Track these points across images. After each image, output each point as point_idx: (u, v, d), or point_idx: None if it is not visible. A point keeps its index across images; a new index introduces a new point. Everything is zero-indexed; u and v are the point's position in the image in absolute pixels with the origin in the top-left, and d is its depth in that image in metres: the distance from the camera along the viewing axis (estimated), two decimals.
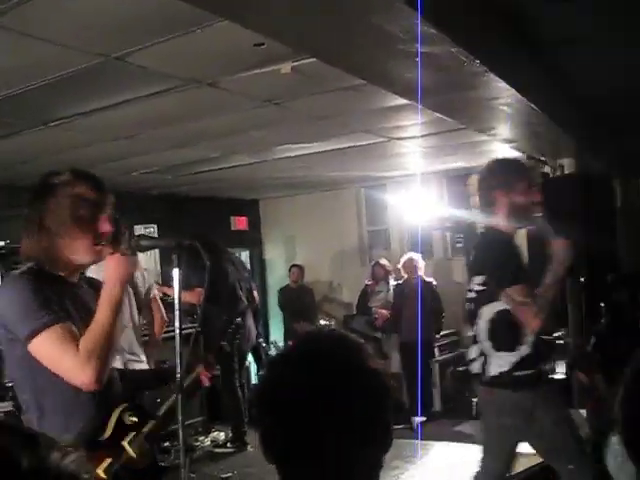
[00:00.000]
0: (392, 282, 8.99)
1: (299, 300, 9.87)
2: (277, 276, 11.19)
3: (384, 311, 8.72)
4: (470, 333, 3.69)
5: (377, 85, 4.09)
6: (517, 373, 3.40)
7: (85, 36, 3.56)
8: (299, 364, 1.32)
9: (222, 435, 7.39)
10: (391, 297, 8.81)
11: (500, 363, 3.43)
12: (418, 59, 3.20)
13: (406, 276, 8.45)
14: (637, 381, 1.37)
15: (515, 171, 3.59)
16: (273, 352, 9.14)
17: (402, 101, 4.77)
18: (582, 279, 6.00)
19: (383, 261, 9.27)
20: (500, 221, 3.49)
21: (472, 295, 3.58)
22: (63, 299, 2.24)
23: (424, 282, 8.30)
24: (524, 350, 3.39)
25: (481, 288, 3.51)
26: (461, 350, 9.18)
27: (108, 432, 2.27)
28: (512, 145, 6.09)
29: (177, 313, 2.14)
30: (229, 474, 6.34)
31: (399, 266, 8.59)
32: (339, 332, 1.44)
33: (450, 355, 8.90)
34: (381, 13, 2.71)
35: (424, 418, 7.79)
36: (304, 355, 1.34)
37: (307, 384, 1.27)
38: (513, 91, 3.98)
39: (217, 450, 7.12)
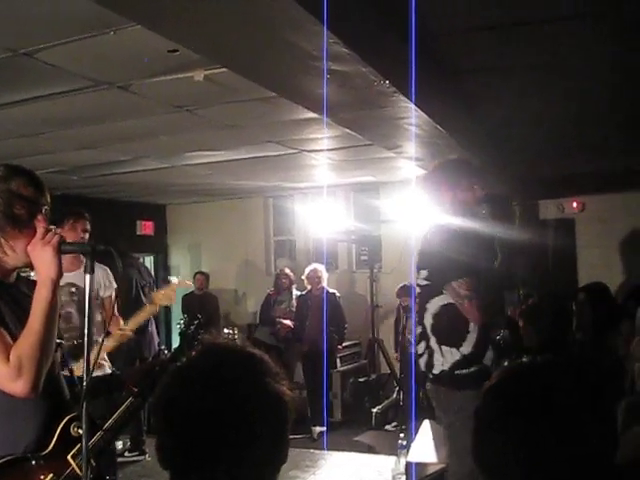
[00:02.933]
0: (295, 292, 9.05)
1: (203, 307, 9.78)
2: None
3: (287, 322, 8.77)
4: (418, 330, 3.61)
5: (287, 98, 4.15)
6: (458, 372, 3.36)
7: None
8: (198, 380, 1.31)
9: (120, 444, 7.24)
10: (293, 307, 8.86)
11: (442, 360, 3.40)
12: (324, 76, 3.28)
13: (310, 287, 8.53)
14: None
15: (458, 169, 3.67)
16: None
17: (312, 114, 4.85)
18: None
19: (287, 271, 9.30)
20: (446, 217, 3.51)
21: (418, 290, 3.57)
22: None
23: (327, 293, 8.39)
24: (466, 347, 3.36)
25: (425, 283, 3.49)
26: (362, 361, 9.35)
27: (51, 445, 2.14)
28: (418, 163, 6.26)
29: (87, 320, 2.01)
30: None
31: (303, 277, 8.66)
32: (241, 347, 1.41)
33: (352, 366, 9.03)
34: (292, 30, 2.76)
35: (324, 428, 7.86)
36: (204, 371, 1.33)
37: (205, 401, 1.27)
38: (420, 112, 4.12)
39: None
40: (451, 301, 3.38)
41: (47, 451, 2.15)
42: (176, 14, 2.69)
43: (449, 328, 3.41)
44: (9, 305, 2.15)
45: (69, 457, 2.17)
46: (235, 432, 1.26)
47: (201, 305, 9.78)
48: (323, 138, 6.23)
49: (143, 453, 6.92)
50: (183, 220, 11.29)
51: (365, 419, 8.34)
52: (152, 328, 7.26)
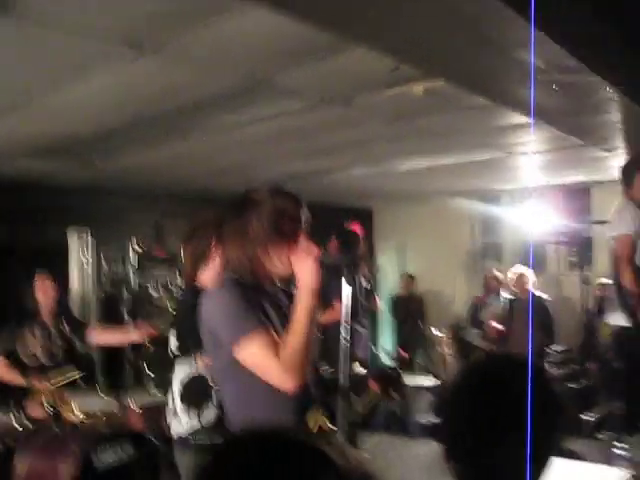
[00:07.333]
0: (504, 295, 8.96)
1: (409, 308, 9.99)
2: (387, 284, 11.32)
3: (498, 325, 8.69)
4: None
5: (508, 108, 4.19)
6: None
7: (237, 59, 3.85)
8: (490, 379, 1.47)
9: None
10: (501, 310, 8.77)
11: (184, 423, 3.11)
12: (531, 84, 3.31)
13: (517, 290, 8.43)
14: None
15: None
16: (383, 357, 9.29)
17: (525, 119, 4.85)
18: None
19: (496, 273, 9.26)
20: None
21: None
22: (264, 305, 2.35)
23: (536, 297, 8.25)
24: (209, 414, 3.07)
25: (177, 344, 3.23)
26: (572, 366, 9.06)
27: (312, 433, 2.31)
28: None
29: (346, 325, 2.26)
30: None
31: (509, 280, 8.57)
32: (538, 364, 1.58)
33: (561, 371, 8.80)
34: (522, 46, 2.85)
35: None
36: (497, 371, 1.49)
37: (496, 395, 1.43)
38: None
39: None
40: (201, 372, 3.10)
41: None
42: (401, 34, 2.87)
43: (196, 398, 3.10)
44: (274, 309, 2.40)
45: None
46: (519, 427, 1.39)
47: (407, 306, 10.00)
48: (533, 141, 6.18)
49: None
50: (389, 223, 11.50)
51: (574, 426, 8.11)
52: (365, 330, 7.52)
